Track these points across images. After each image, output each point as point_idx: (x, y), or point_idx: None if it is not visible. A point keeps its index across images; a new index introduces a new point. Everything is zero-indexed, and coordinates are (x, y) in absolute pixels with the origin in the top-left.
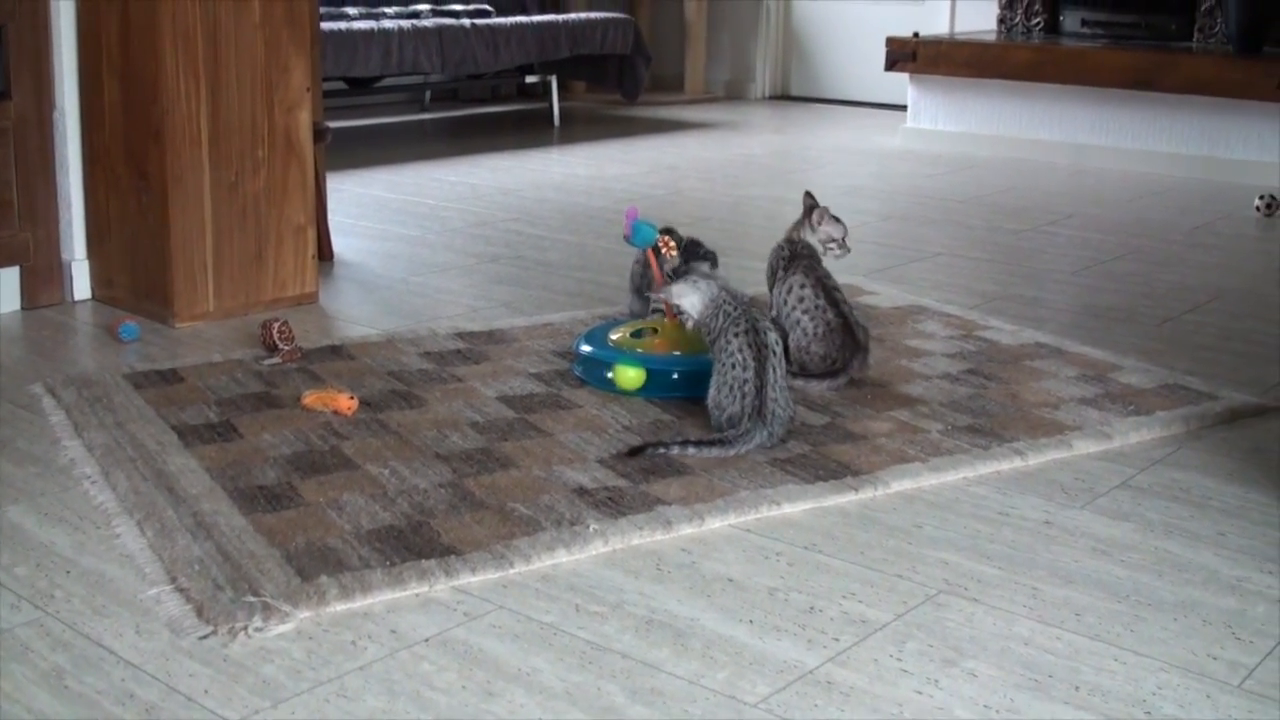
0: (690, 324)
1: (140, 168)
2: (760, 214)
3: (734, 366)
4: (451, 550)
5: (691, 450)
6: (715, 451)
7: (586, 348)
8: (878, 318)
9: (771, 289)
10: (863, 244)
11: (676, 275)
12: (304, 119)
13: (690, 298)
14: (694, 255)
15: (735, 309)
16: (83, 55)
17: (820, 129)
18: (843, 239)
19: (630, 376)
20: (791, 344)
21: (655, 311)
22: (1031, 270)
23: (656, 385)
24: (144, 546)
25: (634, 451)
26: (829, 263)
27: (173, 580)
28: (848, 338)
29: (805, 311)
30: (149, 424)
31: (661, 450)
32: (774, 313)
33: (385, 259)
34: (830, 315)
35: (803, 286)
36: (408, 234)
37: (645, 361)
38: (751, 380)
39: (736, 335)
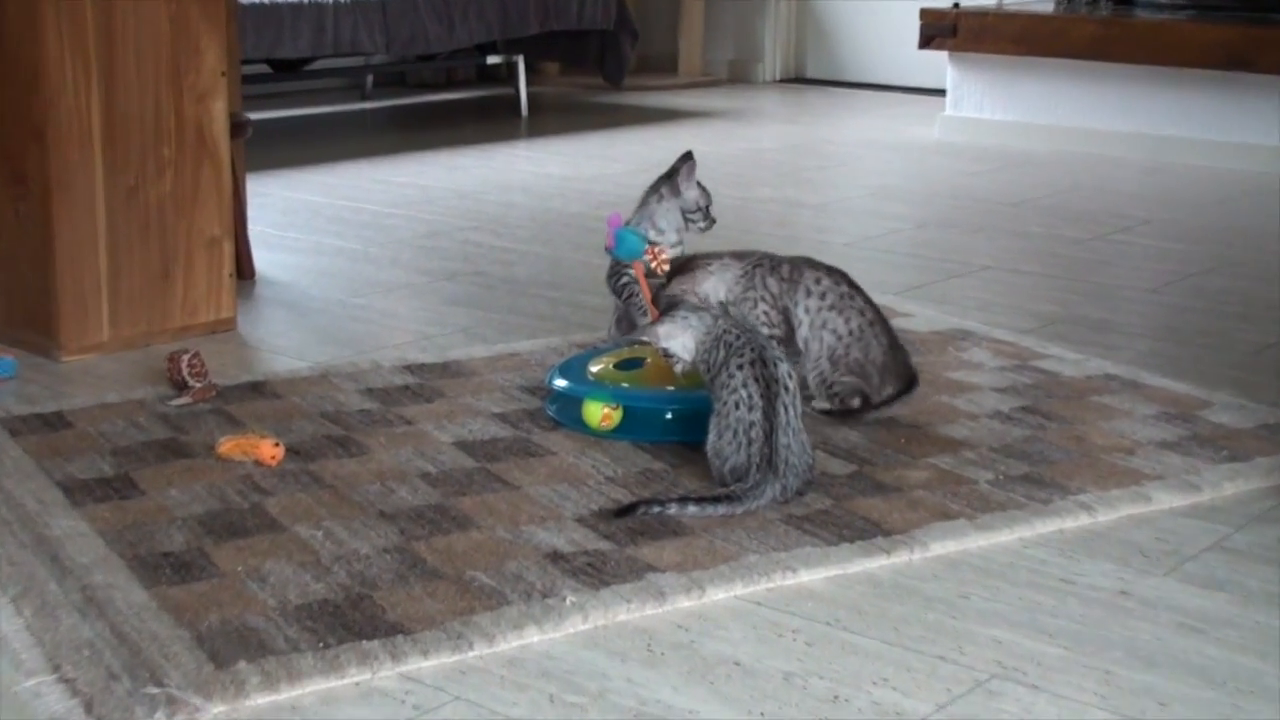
0: (681, 368)
1: (17, 171)
2: (770, 219)
3: (737, 405)
4: (399, 629)
5: (692, 509)
6: (720, 510)
7: (562, 382)
8: (913, 344)
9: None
10: (895, 256)
11: (664, 304)
12: (219, 110)
13: (680, 339)
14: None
15: (739, 337)
16: None
17: (841, 118)
18: (707, 208)
19: (595, 415)
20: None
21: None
22: (1099, 287)
23: (646, 427)
24: (20, 628)
25: (622, 511)
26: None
27: (56, 669)
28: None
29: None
30: (28, 479)
31: (656, 509)
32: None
33: (318, 277)
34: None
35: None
36: (345, 247)
37: (632, 398)
38: (759, 423)
39: (740, 367)
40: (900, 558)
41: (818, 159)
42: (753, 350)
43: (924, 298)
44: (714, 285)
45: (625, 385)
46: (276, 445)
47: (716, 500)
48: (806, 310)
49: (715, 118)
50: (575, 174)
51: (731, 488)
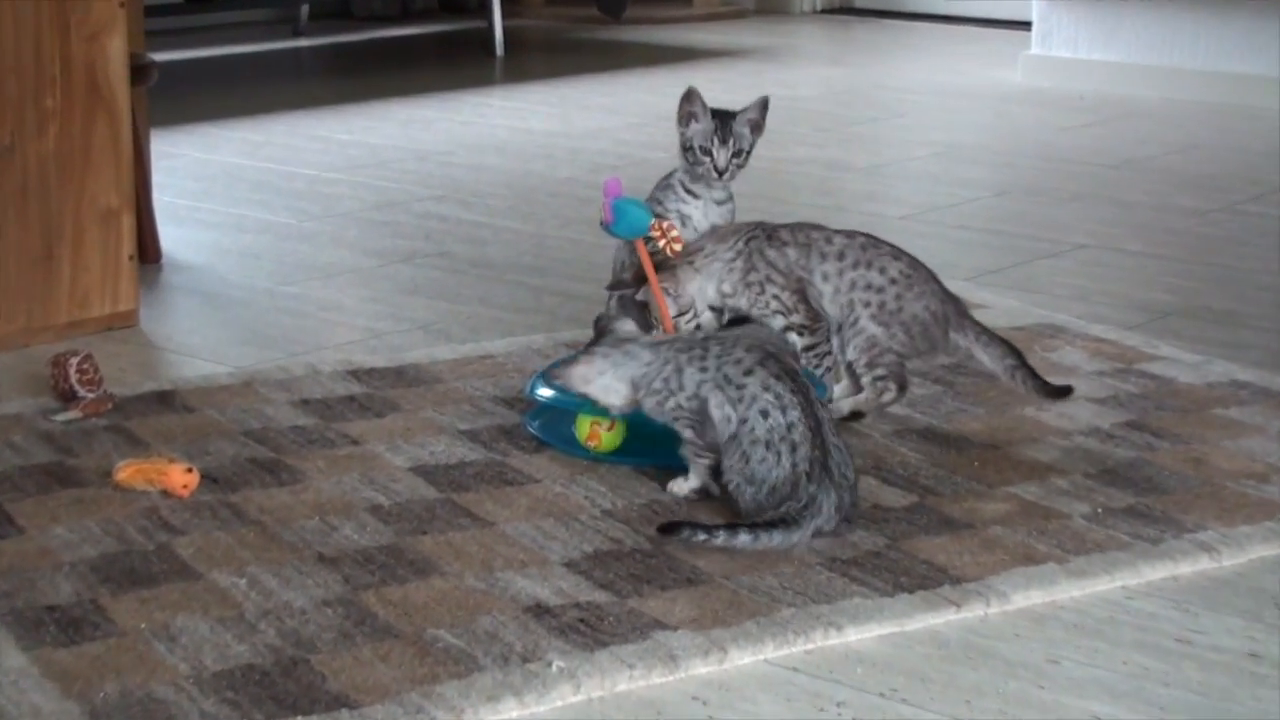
0: (615, 414)
1: None
2: (809, 187)
3: (765, 414)
4: (342, 702)
5: (744, 538)
6: (776, 539)
7: (546, 392)
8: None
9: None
10: (967, 232)
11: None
12: (115, 50)
13: (600, 381)
14: None
15: (720, 344)
16: None
17: (899, 58)
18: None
19: (586, 432)
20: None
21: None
22: (1225, 271)
23: (652, 447)
24: None
25: (666, 529)
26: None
27: None
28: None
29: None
30: None
31: (701, 536)
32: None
33: (240, 259)
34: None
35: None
36: (275, 221)
37: (633, 412)
38: (800, 421)
39: (749, 373)
40: (973, 612)
41: (869, 110)
42: (757, 350)
43: (1003, 284)
44: (701, 285)
45: None
46: (189, 471)
47: (772, 526)
48: (825, 276)
49: (740, 58)
50: (563, 129)
51: (784, 509)
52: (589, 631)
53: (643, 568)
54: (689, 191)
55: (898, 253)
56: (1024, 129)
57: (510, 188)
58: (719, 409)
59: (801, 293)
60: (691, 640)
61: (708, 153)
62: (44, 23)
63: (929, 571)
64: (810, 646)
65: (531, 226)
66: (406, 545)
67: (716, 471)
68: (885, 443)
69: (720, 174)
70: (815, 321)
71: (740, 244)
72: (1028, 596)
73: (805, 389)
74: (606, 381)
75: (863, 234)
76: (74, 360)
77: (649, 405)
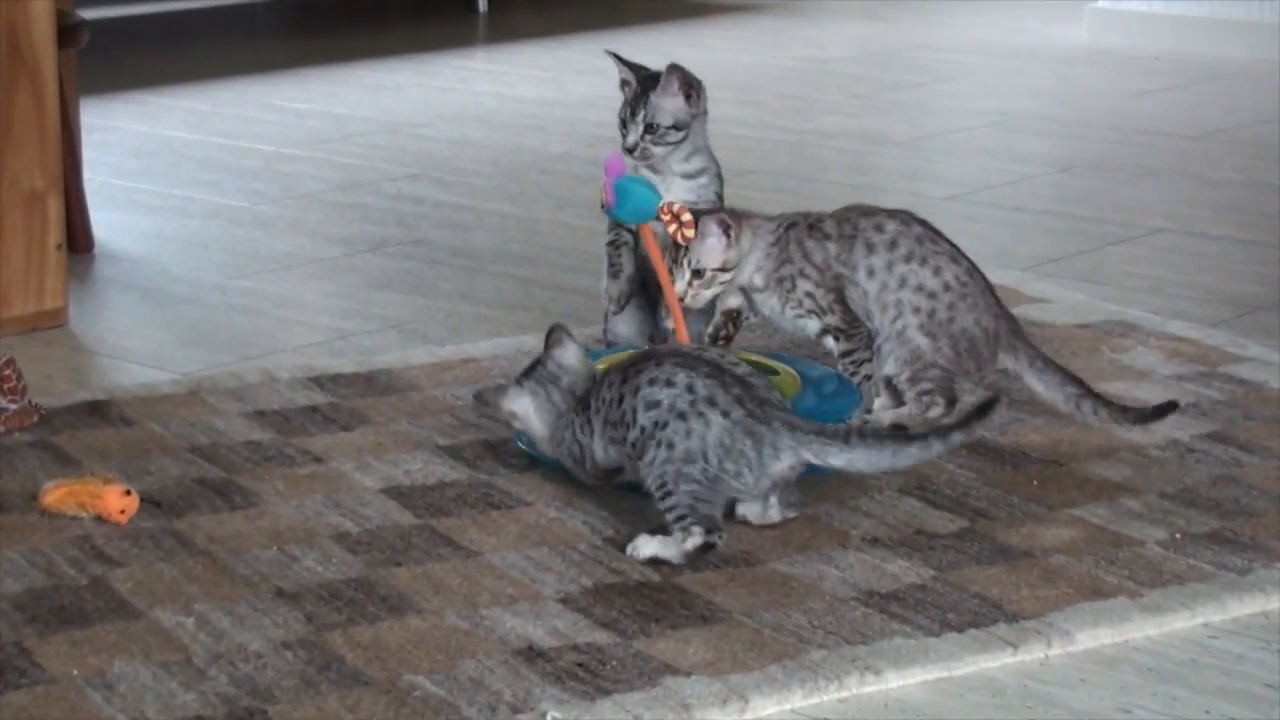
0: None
1: None
2: (841, 163)
3: (654, 403)
4: None
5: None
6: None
7: None
8: (1050, 343)
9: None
10: (1024, 215)
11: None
12: (39, 8)
13: (525, 418)
14: None
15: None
16: None
17: (944, 13)
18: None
19: None
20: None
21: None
22: None
23: None
24: None
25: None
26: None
27: None
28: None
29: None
30: None
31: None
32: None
33: (185, 249)
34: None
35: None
36: (224, 205)
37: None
38: (698, 379)
39: (623, 397)
40: (1032, 653)
41: (911, 74)
42: (680, 360)
43: (1067, 274)
44: (747, 253)
45: None
46: (127, 494)
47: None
48: (871, 271)
49: (760, 13)
50: (557, 97)
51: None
52: (589, 678)
53: (650, 604)
54: (650, 168)
55: (957, 254)
56: (1090, 95)
57: (496, 165)
58: (603, 450)
59: (839, 292)
60: (707, 687)
61: (622, 125)
62: None
63: (981, 607)
64: (844, 694)
65: (520, 209)
66: (378, 578)
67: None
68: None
69: (630, 152)
70: (853, 325)
71: (781, 229)
72: (1095, 636)
73: (694, 361)
74: (530, 421)
75: (919, 221)
76: None
77: (564, 459)
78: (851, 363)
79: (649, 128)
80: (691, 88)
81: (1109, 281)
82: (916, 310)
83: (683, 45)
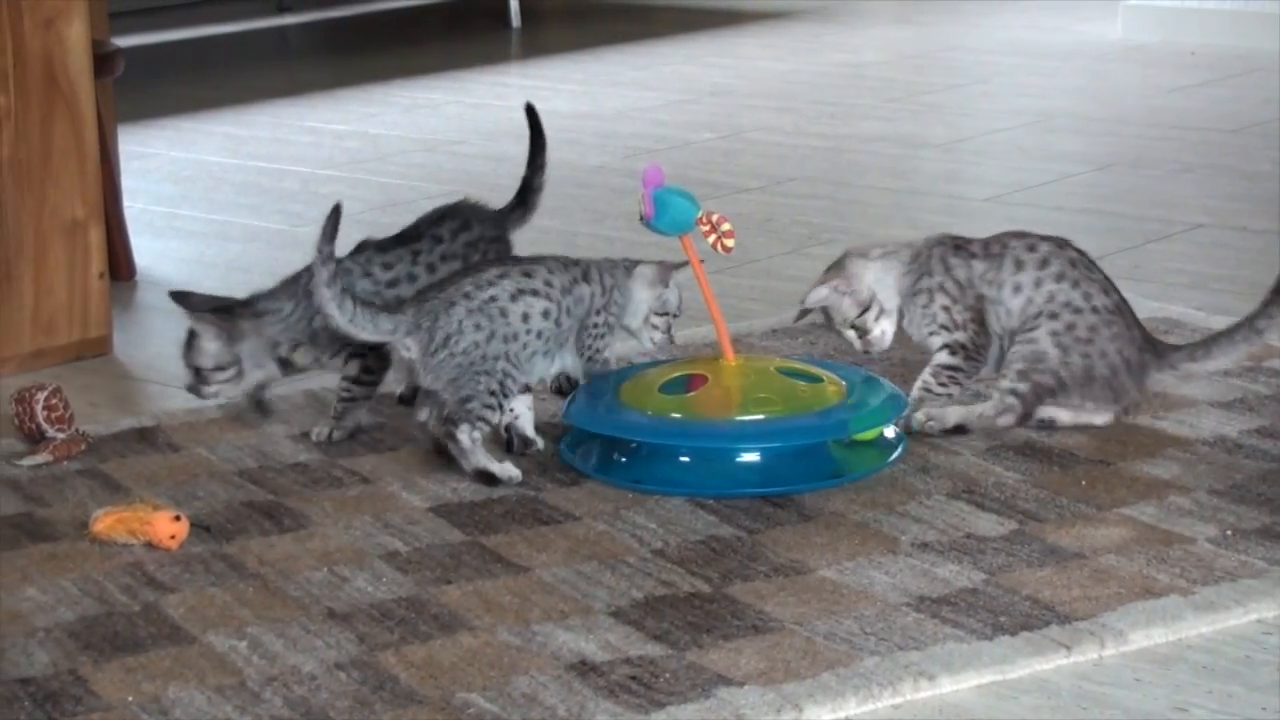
0: None
1: None
2: (878, 167)
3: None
4: None
5: None
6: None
7: (585, 414)
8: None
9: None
10: (1064, 213)
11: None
12: (75, 38)
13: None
14: None
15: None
16: None
17: (977, 15)
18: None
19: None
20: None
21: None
22: None
23: (709, 475)
24: None
25: None
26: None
27: None
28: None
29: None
30: None
31: None
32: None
33: (227, 273)
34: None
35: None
36: (264, 228)
37: (688, 435)
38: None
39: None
40: (1086, 654)
41: (946, 75)
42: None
43: (1108, 272)
44: (880, 275)
45: (676, 416)
46: (176, 519)
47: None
48: (1018, 288)
49: (793, 19)
50: (592, 110)
51: None
52: (642, 690)
53: (702, 615)
54: None
55: (1109, 286)
56: (1126, 92)
57: None
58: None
59: (977, 312)
60: (761, 697)
61: None
62: None
63: (1033, 609)
64: (898, 700)
65: (559, 223)
66: (429, 597)
67: None
68: (977, 461)
69: None
70: (978, 349)
71: (924, 250)
72: (1149, 635)
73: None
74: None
75: (1076, 249)
76: (40, 396)
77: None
78: (946, 372)
79: None
80: None
81: (1151, 278)
82: (1054, 316)
83: (716, 54)
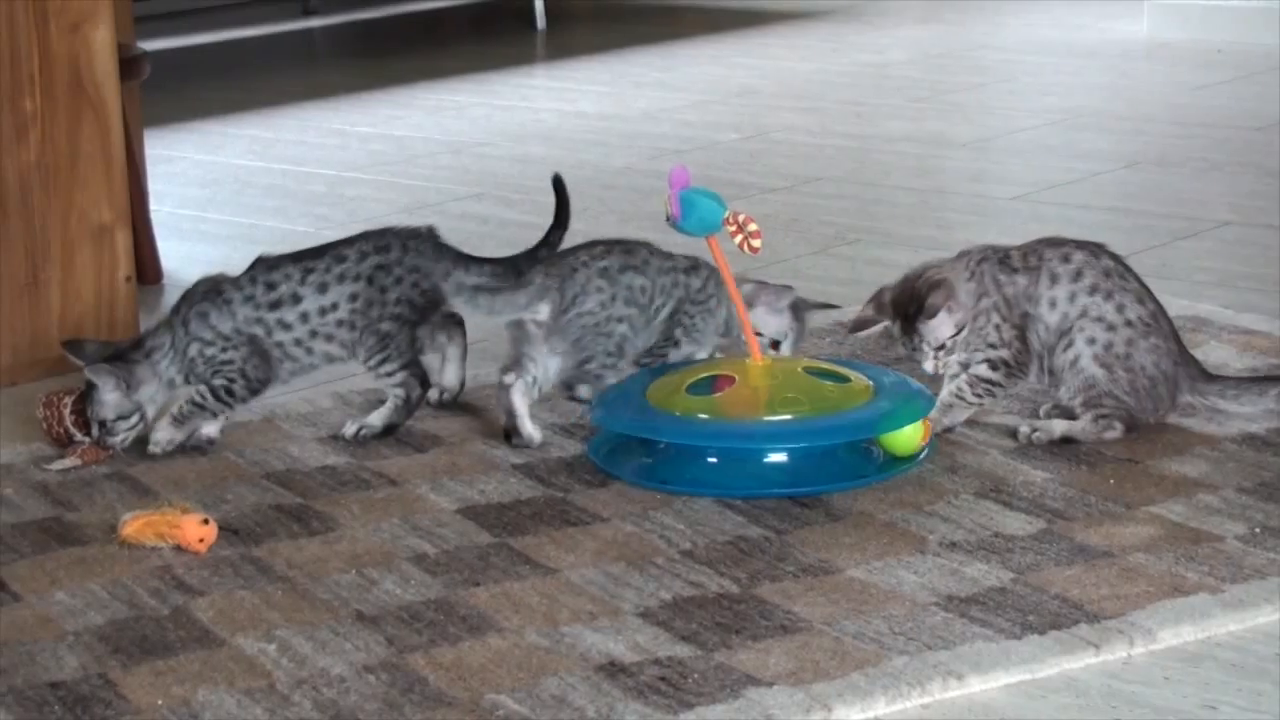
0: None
1: None
2: (903, 166)
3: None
4: None
5: None
6: None
7: (613, 415)
8: None
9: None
10: (1090, 212)
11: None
12: (101, 41)
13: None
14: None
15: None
16: None
17: (1002, 13)
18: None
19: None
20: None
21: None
22: None
23: (737, 475)
24: None
25: None
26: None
27: None
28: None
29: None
30: None
31: None
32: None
33: None
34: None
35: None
36: (291, 231)
37: (715, 436)
38: None
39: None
40: (1115, 653)
41: (971, 74)
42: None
43: (1136, 270)
44: (968, 294)
45: (703, 416)
46: (205, 523)
47: None
48: (1053, 303)
49: (818, 20)
50: (618, 111)
51: None
52: (671, 691)
53: (730, 615)
54: None
55: (1144, 295)
56: (1152, 89)
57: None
58: None
59: (1021, 330)
60: (790, 697)
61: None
62: (18, 13)
63: (1062, 608)
64: (927, 700)
65: (585, 225)
66: (457, 599)
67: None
68: (1005, 460)
69: None
70: (1018, 365)
71: (972, 264)
72: (1178, 633)
73: None
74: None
75: (1111, 255)
76: (69, 400)
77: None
78: (981, 383)
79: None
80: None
81: (1178, 277)
82: (1092, 341)
83: (741, 54)
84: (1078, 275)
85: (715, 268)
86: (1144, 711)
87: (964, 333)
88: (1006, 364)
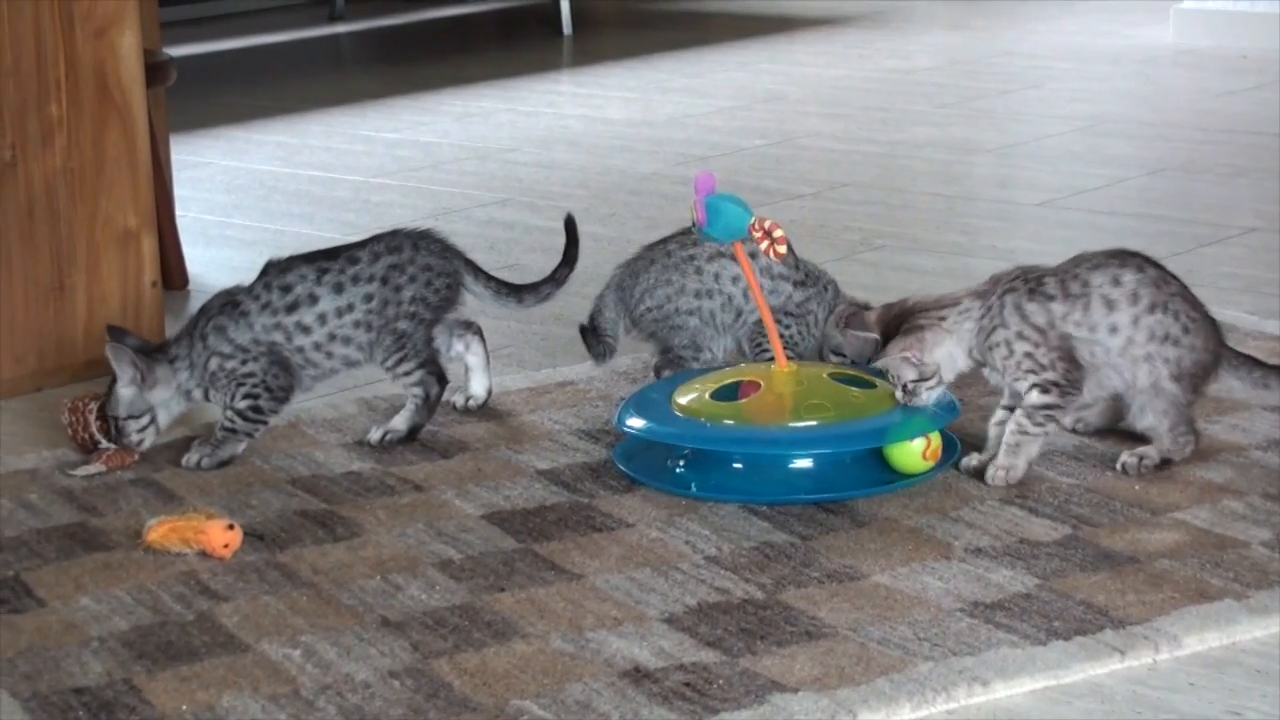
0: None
1: None
2: (930, 173)
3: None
4: None
5: None
6: None
7: (638, 421)
8: None
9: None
10: (1116, 218)
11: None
12: (127, 47)
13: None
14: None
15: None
16: None
17: (1029, 19)
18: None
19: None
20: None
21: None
22: None
23: (762, 482)
24: None
25: None
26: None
27: None
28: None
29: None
30: None
31: None
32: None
33: None
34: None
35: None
36: (317, 236)
37: (740, 441)
38: None
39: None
40: (1140, 659)
41: (998, 81)
42: None
43: None
44: (951, 351)
45: (729, 423)
46: (230, 528)
47: None
48: (1114, 329)
49: (844, 26)
50: (644, 117)
51: None
52: (696, 697)
53: (755, 621)
54: None
55: (1183, 288)
56: (1178, 96)
57: (585, 187)
58: None
59: (1064, 350)
60: (815, 703)
61: None
62: (45, 18)
63: (1087, 614)
64: (952, 706)
65: (611, 230)
66: (482, 604)
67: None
68: (1031, 467)
69: None
70: (1072, 382)
71: (995, 298)
72: (1203, 639)
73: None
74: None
75: (1149, 261)
76: (94, 406)
77: None
78: (1041, 412)
79: None
80: None
81: (1204, 283)
82: (1168, 361)
83: (768, 61)
84: (1135, 298)
85: (836, 286)
86: (1169, 717)
87: (935, 379)
88: (1058, 385)
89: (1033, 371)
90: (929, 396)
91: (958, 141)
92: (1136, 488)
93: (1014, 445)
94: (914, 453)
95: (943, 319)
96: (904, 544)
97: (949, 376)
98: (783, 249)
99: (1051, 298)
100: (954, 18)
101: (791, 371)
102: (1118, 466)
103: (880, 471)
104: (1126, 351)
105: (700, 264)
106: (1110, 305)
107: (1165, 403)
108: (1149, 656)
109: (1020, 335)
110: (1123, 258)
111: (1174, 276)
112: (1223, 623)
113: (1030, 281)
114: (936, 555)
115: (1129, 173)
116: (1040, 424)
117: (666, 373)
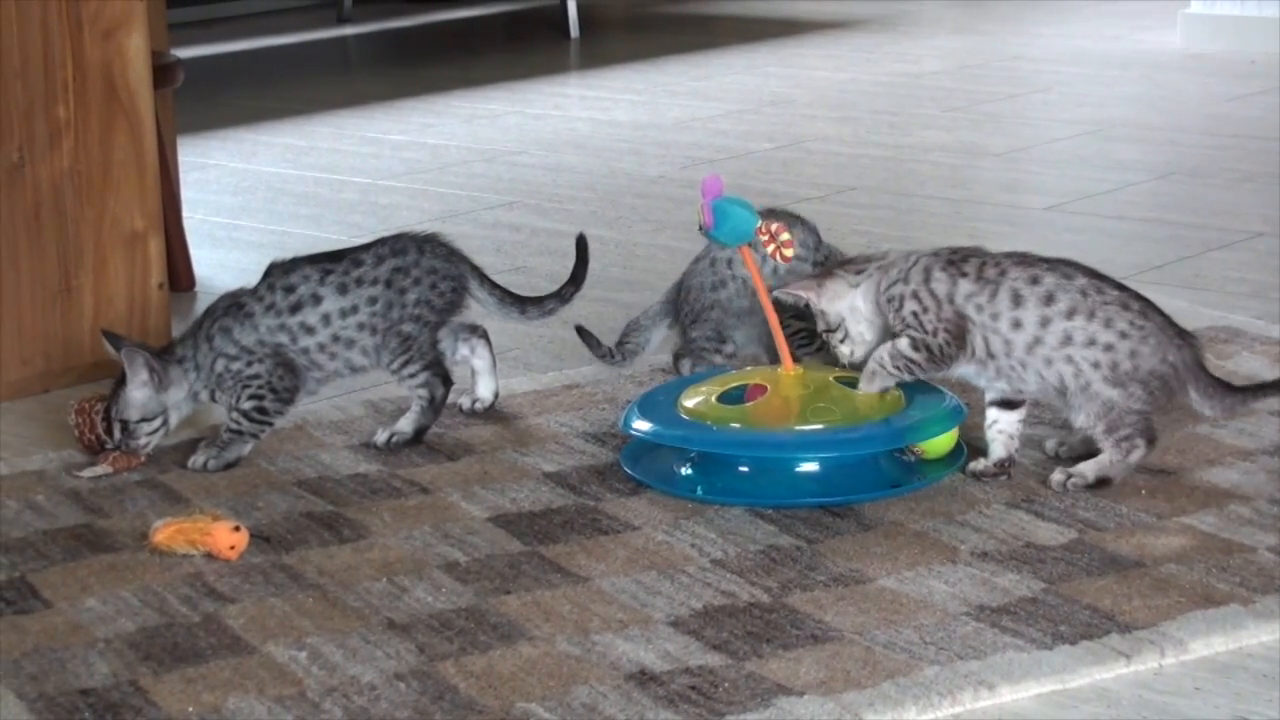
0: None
1: None
2: (938, 177)
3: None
4: None
5: None
6: None
7: (644, 424)
8: None
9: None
10: (1124, 222)
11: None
12: (135, 49)
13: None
14: None
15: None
16: None
17: (1037, 23)
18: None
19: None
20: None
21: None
22: None
23: (769, 484)
24: None
25: None
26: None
27: None
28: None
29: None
30: None
31: None
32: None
33: None
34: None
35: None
36: (324, 238)
37: (746, 444)
38: None
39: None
40: (1146, 663)
41: (1005, 84)
42: None
43: (1169, 281)
44: (854, 303)
45: (735, 425)
46: (236, 530)
47: None
48: (1018, 324)
49: (853, 29)
50: (651, 120)
51: None
52: (702, 700)
53: (761, 624)
54: None
55: (1127, 299)
56: (1186, 101)
57: (592, 190)
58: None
59: (954, 326)
60: (821, 706)
61: None
62: (52, 20)
63: (1093, 618)
64: (958, 709)
65: (618, 234)
66: (488, 607)
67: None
68: (1037, 471)
69: None
70: (943, 356)
71: (918, 257)
72: (1209, 644)
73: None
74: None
75: (1085, 271)
76: (101, 407)
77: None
78: (905, 362)
79: None
80: None
81: (1211, 287)
82: (1096, 365)
83: (776, 64)
84: (1049, 299)
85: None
86: None
87: (838, 334)
88: (929, 350)
89: (914, 329)
90: (847, 350)
91: (965, 145)
92: (1143, 492)
93: (871, 372)
94: (948, 440)
95: (859, 271)
96: (910, 548)
97: (869, 335)
98: (789, 252)
99: (964, 275)
100: (961, 21)
101: (798, 375)
102: (1050, 482)
103: (886, 475)
104: (1034, 350)
105: (715, 254)
106: (1017, 300)
107: (1100, 406)
108: (1155, 661)
109: (915, 295)
110: (1055, 263)
111: (1122, 288)
112: (1229, 627)
113: (955, 255)
114: (942, 559)
115: (1136, 177)
116: (897, 369)
117: (685, 361)
